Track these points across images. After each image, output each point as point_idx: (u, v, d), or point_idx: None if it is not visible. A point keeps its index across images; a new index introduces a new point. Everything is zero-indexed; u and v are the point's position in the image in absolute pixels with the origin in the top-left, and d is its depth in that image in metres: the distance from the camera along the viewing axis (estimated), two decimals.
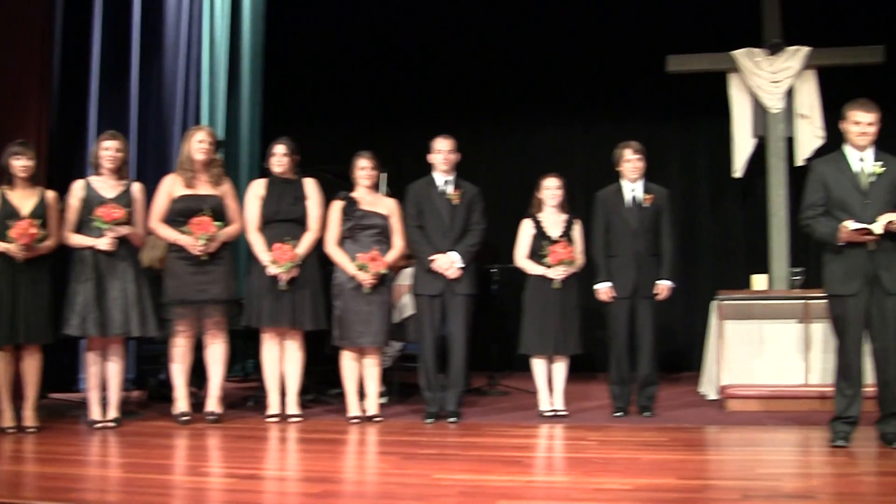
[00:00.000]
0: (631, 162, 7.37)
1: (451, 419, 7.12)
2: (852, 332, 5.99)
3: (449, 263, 7.10)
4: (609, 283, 7.33)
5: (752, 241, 9.74)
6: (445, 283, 7.13)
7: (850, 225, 5.85)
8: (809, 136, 8.87)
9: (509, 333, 7.72)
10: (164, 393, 7.79)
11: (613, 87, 10.12)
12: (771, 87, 8.87)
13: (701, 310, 8.83)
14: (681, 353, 9.89)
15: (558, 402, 7.37)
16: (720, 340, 8.06)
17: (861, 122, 5.99)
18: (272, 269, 7.07)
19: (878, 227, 5.82)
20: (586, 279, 7.53)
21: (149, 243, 7.57)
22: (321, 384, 8.18)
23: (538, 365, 7.37)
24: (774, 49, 8.86)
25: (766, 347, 8.06)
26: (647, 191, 7.41)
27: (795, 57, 8.84)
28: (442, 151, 7.24)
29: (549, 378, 7.39)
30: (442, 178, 7.26)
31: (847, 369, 6.03)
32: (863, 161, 6.03)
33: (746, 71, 8.92)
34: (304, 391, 7.53)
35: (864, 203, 5.95)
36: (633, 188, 7.40)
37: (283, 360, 7.22)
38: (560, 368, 7.39)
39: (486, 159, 10.02)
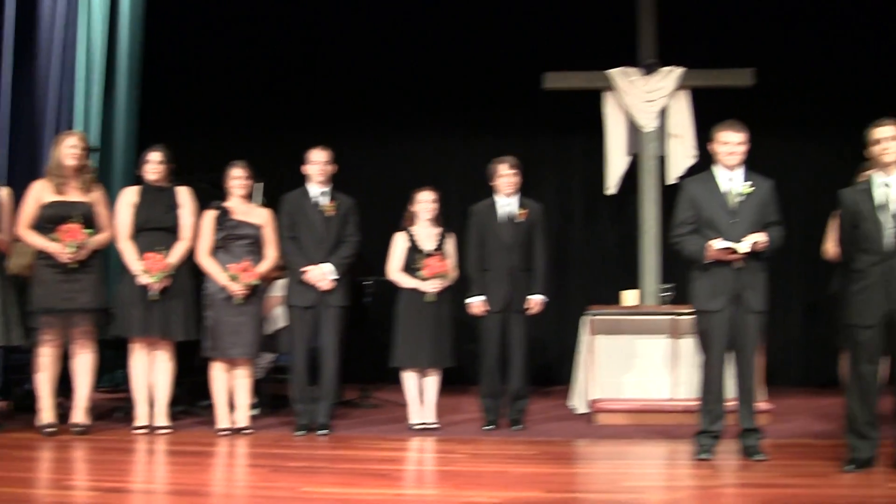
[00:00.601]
0: (506, 177, 7.44)
1: (322, 432, 7.09)
2: (716, 348, 6.16)
3: (322, 275, 7.09)
4: (482, 297, 7.39)
5: (623, 257, 9.91)
6: (318, 294, 7.11)
7: (717, 244, 6.03)
8: (681, 155, 9.08)
9: (382, 346, 7.71)
10: (29, 404, 7.58)
11: (490, 102, 10.20)
12: (645, 107, 9.06)
13: (572, 324, 8.95)
14: (552, 367, 10.01)
15: (429, 415, 7.39)
16: (590, 355, 8.19)
17: (729, 142, 6.19)
18: (143, 279, 6.97)
19: (743, 246, 6.01)
20: (459, 293, 7.58)
21: (16, 250, 7.35)
22: (191, 395, 8.05)
23: (409, 378, 7.38)
24: (649, 69, 9.06)
25: (635, 362, 8.22)
26: (521, 206, 7.49)
27: (669, 77, 9.05)
28: (317, 163, 7.23)
29: (421, 391, 7.42)
30: (317, 190, 7.24)
31: (711, 384, 6.20)
32: (732, 181, 6.22)
33: (621, 90, 9.10)
34: (174, 402, 7.41)
35: (732, 222, 6.13)
36: (507, 203, 7.47)
37: (152, 371, 7.11)
38: (431, 381, 7.42)
39: (362, 171, 9.99)
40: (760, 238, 6.07)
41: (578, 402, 8.38)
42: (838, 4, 9.81)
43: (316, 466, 5.92)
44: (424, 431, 7.25)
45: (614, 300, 8.88)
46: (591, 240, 10.27)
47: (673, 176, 9.01)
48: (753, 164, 6.36)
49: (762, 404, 7.22)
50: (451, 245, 7.55)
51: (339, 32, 10.30)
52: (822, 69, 9.93)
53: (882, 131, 5.81)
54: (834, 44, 9.90)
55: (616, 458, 6.46)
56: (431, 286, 7.30)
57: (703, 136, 6.98)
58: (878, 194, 5.82)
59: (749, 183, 6.22)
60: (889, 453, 5.88)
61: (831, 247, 6.99)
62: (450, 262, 7.46)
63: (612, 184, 9.27)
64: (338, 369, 7.20)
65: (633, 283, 9.01)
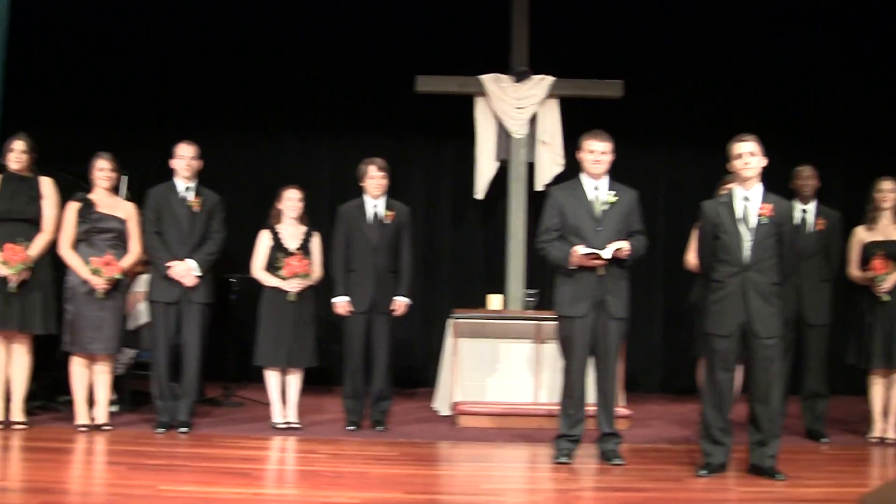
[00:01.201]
0: (374, 179, 7.46)
1: (183, 429, 7.01)
2: (578, 354, 6.29)
3: (186, 271, 7.01)
4: (347, 298, 7.40)
5: (490, 261, 9.99)
6: (182, 290, 7.04)
7: (581, 249, 6.16)
8: (549, 163, 9.20)
9: (246, 344, 7.66)
10: None
11: (362, 103, 10.18)
12: (515, 113, 9.17)
13: (438, 327, 9.01)
14: (417, 369, 10.05)
15: (291, 415, 7.37)
16: (454, 357, 8.26)
17: (595, 150, 6.34)
18: (2, 271, 6.81)
19: (606, 252, 6.15)
20: (325, 292, 7.57)
21: None
22: (49, 390, 7.86)
23: (272, 377, 7.35)
24: (521, 77, 9.17)
25: (499, 366, 8.32)
26: (388, 207, 7.52)
27: (540, 86, 9.18)
28: (184, 157, 7.15)
29: (284, 390, 7.40)
30: (183, 185, 7.16)
31: (572, 389, 6.33)
32: (597, 189, 6.38)
33: (493, 96, 9.18)
34: (31, 397, 7.24)
35: (597, 230, 6.28)
36: (375, 204, 7.49)
37: (9, 365, 6.94)
38: (294, 381, 7.40)
39: (230, 167, 9.87)
40: (623, 246, 6.22)
41: (442, 404, 8.44)
42: (704, 21, 10.07)
43: (175, 465, 5.85)
44: (286, 431, 7.22)
45: (480, 304, 8.97)
46: (459, 243, 10.32)
47: (541, 183, 9.11)
48: (619, 173, 6.51)
49: (621, 409, 7.39)
50: (315, 244, 7.54)
51: (209, 27, 10.13)
52: (687, 83, 10.16)
53: (743, 146, 6.01)
54: (699, 59, 10.15)
55: (477, 460, 6.53)
56: (292, 286, 7.27)
57: (572, 144, 7.10)
58: (739, 207, 6.02)
59: (613, 192, 6.38)
60: (742, 458, 6.09)
61: (692, 257, 7.19)
62: (314, 261, 7.45)
63: (480, 188, 9.34)
64: (200, 366, 7.15)
65: (498, 288, 9.11)
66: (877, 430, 7.34)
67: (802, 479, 5.91)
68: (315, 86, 10.20)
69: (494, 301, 8.74)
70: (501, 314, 8.58)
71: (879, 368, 7.28)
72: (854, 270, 7.45)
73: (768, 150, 6.11)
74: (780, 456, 5.99)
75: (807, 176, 7.62)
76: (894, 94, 10.08)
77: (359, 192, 7.56)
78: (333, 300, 7.44)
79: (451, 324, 8.41)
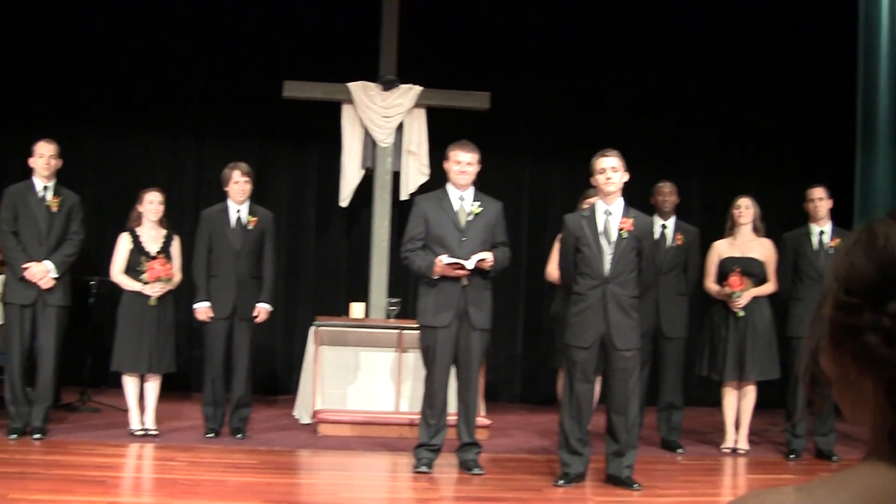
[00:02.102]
0: (238, 183, 7.42)
1: (37, 436, 6.85)
2: (440, 363, 6.36)
3: (43, 273, 6.86)
4: (208, 303, 7.33)
5: (353, 269, 10.00)
6: (38, 292, 6.88)
7: (445, 259, 6.23)
8: (415, 172, 9.26)
9: (105, 348, 7.52)
10: None
11: (229, 106, 10.06)
12: (382, 122, 9.20)
13: (301, 334, 8.98)
14: (278, 377, 10.00)
15: (150, 421, 7.26)
16: (316, 365, 8.24)
17: (461, 161, 6.43)
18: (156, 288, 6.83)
19: (470, 263, 6.23)
20: (186, 297, 7.48)
21: None
22: None
23: (130, 382, 7.23)
24: (388, 85, 9.19)
25: (361, 374, 8.33)
26: (252, 213, 7.49)
27: (408, 95, 9.23)
28: (43, 155, 7.00)
29: (142, 396, 7.28)
30: (41, 184, 7.02)
31: (433, 398, 6.40)
32: (463, 200, 6.47)
33: (360, 103, 9.19)
34: None
35: (461, 240, 6.37)
36: (238, 209, 7.45)
37: None
38: (152, 387, 7.29)
39: (92, 168, 9.68)
40: (487, 257, 6.32)
41: (303, 412, 8.41)
42: (572, 35, 10.27)
43: (28, 472, 5.74)
44: (144, 438, 7.11)
45: (343, 312, 8.98)
46: (322, 251, 10.30)
47: (406, 192, 9.17)
48: (485, 185, 6.62)
49: (482, 419, 7.48)
50: (176, 248, 7.45)
51: (76, 22, 9.91)
52: (554, 96, 10.32)
53: (605, 161, 6.18)
54: (566, 72, 10.34)
55: (337, 469, 6.54)
56: (153, 290, 7.17)
57: (439, 154, 7.17)
58: (600, 221, 6.17)
59: (478, 203, 6.48)
60: (599, 469, 6.24)
61: (553, 269, 7.31)
62: (175, 264, 7.36)
63: (345, 196, 9.33)
64: (56, 371, 7.01)
65: (361, 296, 9.11)
66: (729, 441, 7.58)
67: (658, 488, 6.08)
68: (181, 87, 10.05)
69: (357, 309, 8.75)
70: (363, 322, 8.59)
71: (732, 381, 7.51)
72: (710, 285, 7.65)
73: (631, 166, 6.28)
74: (636, 466, 6.16)
75: (667, 192, 7.83)
76: (751, 113, 10.46)
77: (223, 196, 7.51)
78: (195, 305, 7.37)
79: (313, 331, 8.39)
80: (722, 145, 10.51)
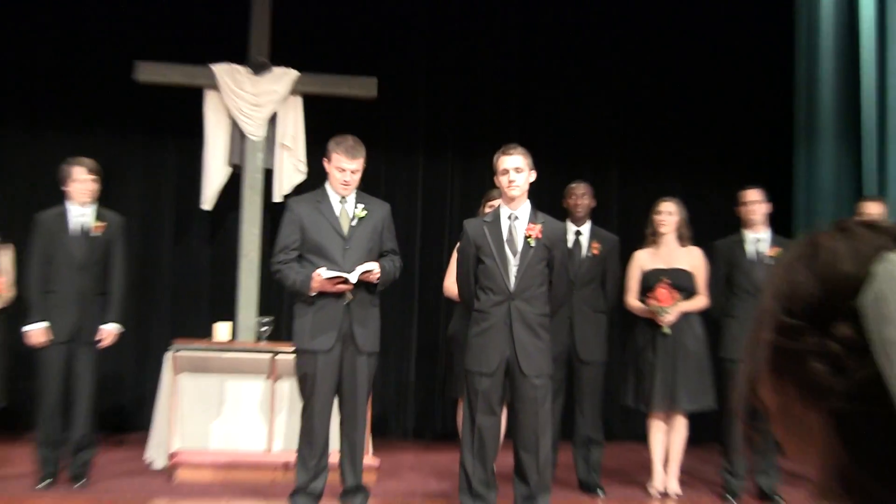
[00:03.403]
0: (82, 182, 7.26)
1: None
2: (320, 394, 6.27)
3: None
4: (44, 324, 7.15)
5: (218, 283, 9.88)
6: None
7: (324, 273, 6.15)
8: (290, 170, 9.18)
9: None
10: None
11: (69, 89, 9.85)
12: (252, 111, 9.07)
13: (155, 360, 8.80)
14: (128, 412, 9.80)
15: None
16: (173, 397, 8.09)
17: (345, 169, 6.38)
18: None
19: (354, 276, 6.16)
20: (17, 317, 7.29)
21: None
22: None
23: None
24: (259, 69, 9.08)
25: (226, 407, 8.21)
26: (98, 217, 7.32)
27: (282, 80, 9.13)
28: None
29: None
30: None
31: (312, 435, 6.30)
32: (344, 203, 6.42)
33: (226, 89, 9.05)
34: None
35: (344, 249, 6.31)
36: (81, 213, 7.29)
37: None
38: None
39: None
40: (373, 268, 6.27)
41: (157, 453, 8.24)
42: (475, 20, 10.33)
43: None
44: None
45: (205, 334, 8.87)
46: (182, 262, 10.15)
47: (280, 193, 9.11)
48: (372, 184, 6.58)
49: (369, 460, 7.40)
50: (6, 259, 7.27)
51: None
52: (452, 85, 10.36)
53: (509, 160, 6.21)
54: (467, 58, 10.37)
55: None
56: None
57: (318, 149, 7.10)
58: (504, 228, 6.17)
59: (363, 206, 6.44)
60: None
61: (451, 283, 7.26)
62: (4, 279, 7.18)
63: (209, 198, 9.20)
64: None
65: (227, 315, 9.02)
66: (657, 481, 7.58)
67: None
68: (9, 66, 9.82)
69: (222, 330, 8.63)
70: (230, 346, 8.47)
71: (660, 412, 7.51)
72: (633, 301, 7.66)
73: (539, 164, 6.29)
74: None
75: (580, 194, 7.85)
76: (679, 106, 10.61)
77: (62, 197, 7.35)
78: (26, 328, 7.17)
79: (169, 357, 8.23)
80: (643, 141, 10.61)
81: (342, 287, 6.24)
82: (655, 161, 10.50)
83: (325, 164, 6.51)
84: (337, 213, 6.43)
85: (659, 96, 10.55)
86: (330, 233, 6.39)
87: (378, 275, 6.33)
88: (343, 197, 6.47)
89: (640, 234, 7.88)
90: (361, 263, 6.29)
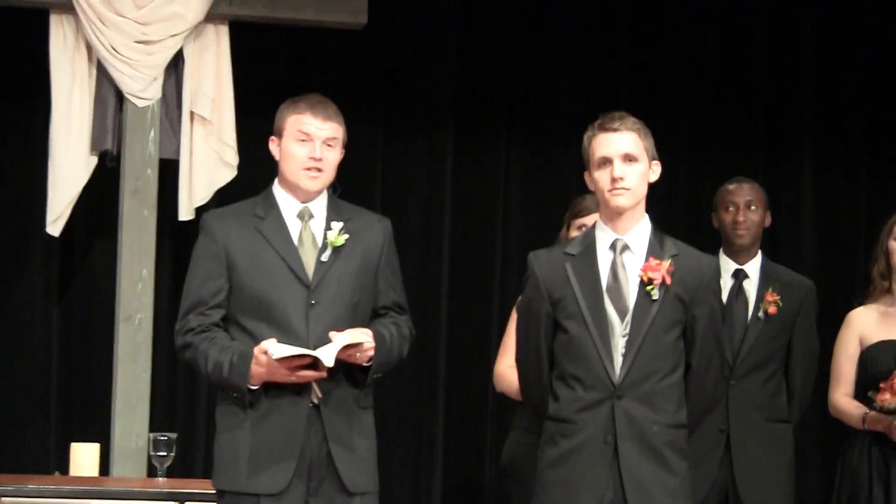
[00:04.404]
0: None
1: None
2: None
3: None
4: None
5: (77, 371, 10.02)
6: None
7: (275, 349, 6.05)
8: (210, 162, 9.23)
9: None
10: None
11: None
12: (135, 52, 9.00)
13: None
14: None
15: None
16: None
17: (314, 136, 6.31)
18: None
19: (327, 354, 6.07)
20: None
21: None
22: None
23: None
24: None
25: None
26: None
27: None
28: None
29: None
30: None
31: None
32: (310, 218, 6.41)
33: (91, 13, 8.98)
34: None
35: (309, 304, 6.34)
36: None
37: None
38: None
39: None
40: (363, 340, 6.20)
41: None
42: None
43: None
44: None
45: (57, 463, 9.08)
46: (12, 329, 10.15)
47: (190, 204, 9.23)
48: (360, 186, 6.51)
49: None
50: None
51: None
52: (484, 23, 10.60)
53: (611, 143, 6.20)
54: None
55: None
56: None
57: (257, 125, 7.11)
58: (605, 267, 6.23)
59: (342, 223, 6.37)
60: None
61: (507, 368, 7.39)
62: None
63: (56, 214, 9.19)
64: None
65: (94, 430, 9.15)
66: None
67: None
68: None
69: (84, 457, 8.59)
70: (97, 486, 8.39)
71: None
72: (843, 399, 7.78)
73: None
74: None
75: (745, 200, 8.16)
76: None
77: None
78: None
79: None
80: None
81: (308, 375, 6.11)
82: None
83: (274, 145, 6.40)
84: (294, 237, 6.31)
85: None
86: (282, 276, 6.26)
87: (370, 352, 6.23)
88: (308, 209, 6.41)
89: (847, 272, 7.88)
90: (340, 330, 6.21)
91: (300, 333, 6.18)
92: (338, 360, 6.09)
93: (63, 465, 8.76)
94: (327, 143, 6.30)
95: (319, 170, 6.30)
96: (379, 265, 6.42)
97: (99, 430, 9.03)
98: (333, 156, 6.33)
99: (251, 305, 6.26)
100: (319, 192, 6.38)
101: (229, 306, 6.31)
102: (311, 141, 6.28)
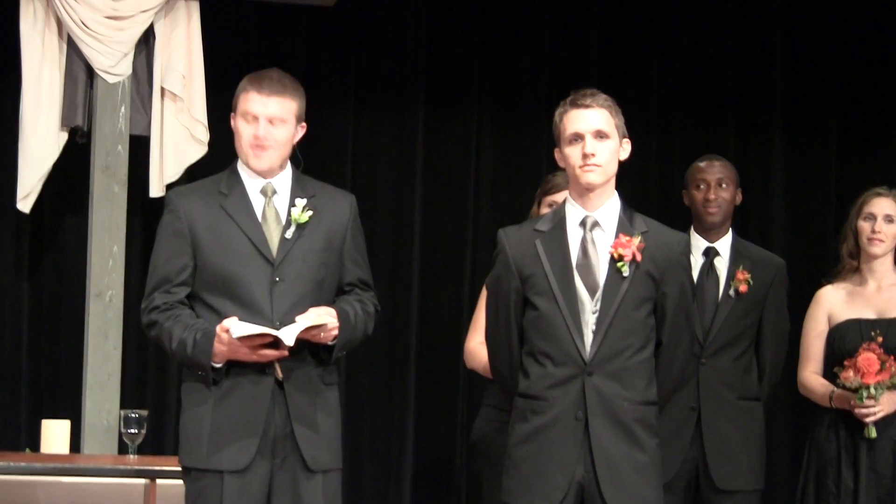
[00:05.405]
0: None
1: None
2: None
3: None
4: None
5: (48, 348, 10.01)
6: None
7: (237, 328, 6.00)
8: (180, 138, 9.28)
9: None
10: None
11: None
12: (106, 28, 9.00)
13: None
14: None
15: None
16: None
17: (256, 114, 6.21)
18: None
19: (289, 333, 6.03)
20: None
21: None
22: None
23: None
24: None
25: None
26: None
27: None
28: None
29: None
30: None
31: None
32: (273, 195, 6.35)
33: None
34: None
35: (274, 281, 6.28)
36: None
37: None
38: None
39: None
40: (328, 321, 6.14)
41: None
42: None
43: None
44: None
45: (27, 440, 9.27)
46: None
47: (160, 182, 9.20)
48: (330, 163, 6.39)
49: None
50: None
51: None
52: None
53: (581, 119, 6.15)
54: None
55: None
56: None
57: (223, 101, 7.00)
58: (576, 243, 6.24)
59: (306, 200, 6.27)
60: None
61: (477, 345, 7.36)
62: None
63: (26, 190, 9.19)
64: None
65: (64, 405, 9.21)
66: None
67: None
68: None
69: (55, 433, 8.51)
70: (69, 463, 8.31)
71: None
72: (812, 376, 7.82)
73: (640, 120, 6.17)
74: None
75: (716, 178, 8.06)
76: None
77: None
78: None
79: None
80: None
81: (269, 354, 6.05)
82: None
83: (233, 120, 6.37)
84: (258, 213, 6.26)
85: None
86: (246, 253, 6.22)
87: (335, 330, 6.17)
88: (270, 185, 6.32)
89: (817, 250, 7.83)
90: (303, 309, 6.14)
91: (264, 310, 6.15)
92: (302, 339, 6.01)
93: (34, 442, 8.78)
94: (273, 120, 6.19)
95: (262, 147, 6.23)
96: (344, 242, 6.37)
97: (70, 407, 9.05)
98: (281, 133, 6.26)
99: (216, 283, 6.22)
100: (272, 170, 6.34)
101: (194, 283, 6.27)
102: (253, 121, 6.23)
